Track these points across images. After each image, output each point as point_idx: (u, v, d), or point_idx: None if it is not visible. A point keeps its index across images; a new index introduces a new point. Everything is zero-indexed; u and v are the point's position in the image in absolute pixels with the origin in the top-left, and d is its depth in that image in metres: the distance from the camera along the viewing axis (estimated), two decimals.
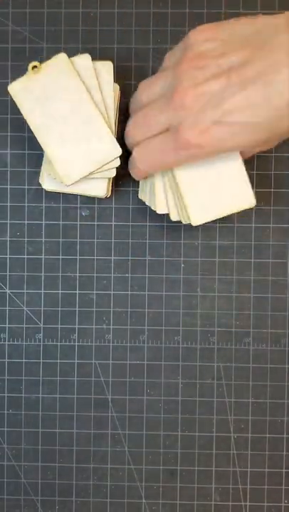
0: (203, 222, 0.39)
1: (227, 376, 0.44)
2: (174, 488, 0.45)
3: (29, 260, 0.45)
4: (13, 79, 0.43)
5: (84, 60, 0.40)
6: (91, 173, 0.41)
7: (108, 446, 0.45)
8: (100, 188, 0.42)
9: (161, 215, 0.44)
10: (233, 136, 0.34)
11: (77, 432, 0.45)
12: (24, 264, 0.45)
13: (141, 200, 0.43)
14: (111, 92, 0.40)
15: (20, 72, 0.44)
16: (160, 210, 0.40)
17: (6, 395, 0.45)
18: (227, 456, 0.44)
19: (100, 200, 0.44)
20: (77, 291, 0.45)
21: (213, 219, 0.39)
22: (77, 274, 0.45)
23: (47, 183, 0.42)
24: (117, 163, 0.40)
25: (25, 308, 0.45)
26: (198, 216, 0.39)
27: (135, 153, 0.39)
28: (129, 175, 0.41)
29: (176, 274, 0.44)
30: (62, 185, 0.41)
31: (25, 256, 0.45)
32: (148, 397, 0.45)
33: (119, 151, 0.40)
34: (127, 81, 0.44)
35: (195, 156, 0.35)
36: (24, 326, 0.45)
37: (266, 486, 0.44)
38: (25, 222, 0.45)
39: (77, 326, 0.45)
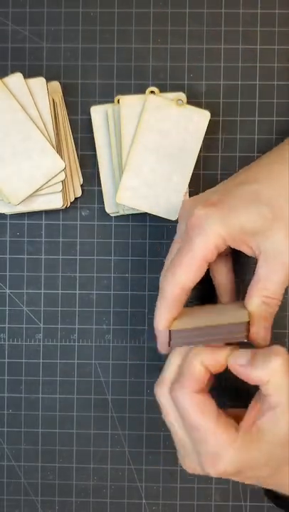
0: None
1: (226, 377, 0.44)
2: (174, 488, 0.45)
3: (29, 260, 0.45)
4: None
5: (16, 79, 0.41)
6: (38, 190, 0.41)
7: (108, 446, 0.45)
8: (55, 201, 0.42)
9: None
10: None
11: (77, 432, 0.45)
12: (24, 264, 0.45)
13: None
14: (47, 107, 0.41)
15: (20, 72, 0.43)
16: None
17: (6, 395, 0.45)
18: None
19: (99, 200, 0.44)
20: (77, 291, 0.45)
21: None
22: (77, 274, 0.45)
23: (0, 207, 0.43)
24: (62, 176, 0.41)
25: (25, 309, 0.45)
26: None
27: None
28: None
29: None
30: (15, 206, 0.42)
31: (25, 256, 0.45)
32: (148, 397, 0.45)
33: (62, 164, 0.41)
34: (127, 81, 0.44)
35: None
36: (24, 326, 0.45)
37: None
38: (25, 222, 0.45)
39: (77, 326, 0.45)
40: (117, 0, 0.44)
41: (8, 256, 0.45)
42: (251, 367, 0.33)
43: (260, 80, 0.44)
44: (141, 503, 0.45)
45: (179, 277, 0.35)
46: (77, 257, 0.45)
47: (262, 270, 0.35)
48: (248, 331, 0.35)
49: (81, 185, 0.44)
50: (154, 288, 0.44)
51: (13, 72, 0.42)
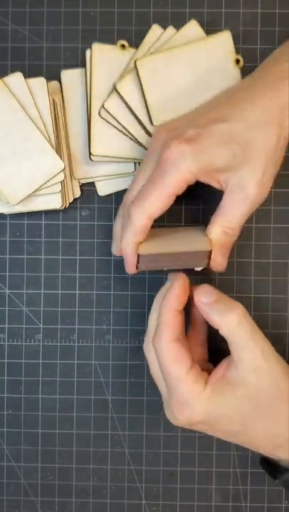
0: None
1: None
2: (174, 488, 0.45)
3: (29, 260, 0.45)
4: None
5: (16, 78, 0.41)
6: (37, 190, 0.41)
7: (108, 446, 0.45)
8: (54, 201, 0.42)
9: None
10: None
11: (77, 433, 0.45)
12: (24, 264, 0.45)
13: None
14: (47, 107, 0.41)
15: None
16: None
17: (5, 395, 0.45)
18: (227, 457, 0.44)
19: (99, 200, 0.44)
20: (77, 291, 0.44)
21: None
22: (77, 274, 0.45)
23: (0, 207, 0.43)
24: (62, 177, 0.41)
25: (24, 309, 0.45)
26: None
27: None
28: None
29: None
30: (13, 206, 0.42)
31: (25, 256, 0.45)
32: (148, 397, 0.45)
33: (62, 164, 0.41)
34: None
35: None
36: (24, 326, 0.45)
37: (266, 487, 0.44)
38: (25, 222, 0.44)
39: (77, 326, 0.45)
40: (117, 0, 0.44)
41: (7, 256, 0.45)
42: (211, 309, 0.37)
43: None
44: (141, 504, 0.45)
45: (148, 208, 0.37)
46: (77, 257, 0.45)
47: (226, 203, 0.37)
48: (209, 258, 0.38)
49: (80, 186, 0.44)
50: (155, 288, 0.44)
51: (13, 71, 0.42)
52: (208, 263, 0.39)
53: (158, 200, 0.36)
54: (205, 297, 0.38)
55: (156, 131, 0.39)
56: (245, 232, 0.44)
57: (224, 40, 0.42)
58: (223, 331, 0.37)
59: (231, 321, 0.36)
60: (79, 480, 0.45)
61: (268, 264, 0.44)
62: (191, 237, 0.39)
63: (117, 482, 0.45)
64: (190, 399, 0.36)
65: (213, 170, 0.36)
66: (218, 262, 0.39)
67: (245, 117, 0.36)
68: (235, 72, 0.42)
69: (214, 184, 0.37)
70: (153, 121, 0.41)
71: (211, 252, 0.38)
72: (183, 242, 0.39)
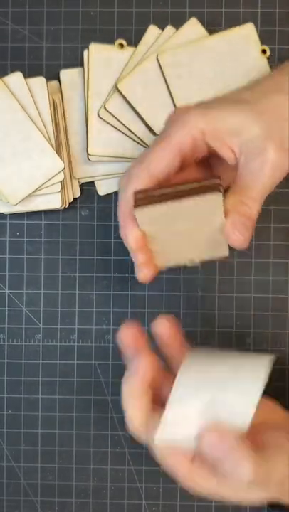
0: None
1: None
2: (174, 489, 0.45)
3: (28, 260, 0.45)
4: None
5: (16, 78, 0.41)
6: (37, 190, 0.41)
7: (108, 447, 0.45)
8: (53, 201, 0.42)
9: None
10: None
11: (76, 433, 0.45)
12: (23, 264, 0.45)
13: None
14: (47, 107, 0.41)
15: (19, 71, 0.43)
16: None
17: (5, 395, 0.45)
18: None
19: (99, 200, 0.44)
20: (77, 291, 0.44)
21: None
22: (77, 274, 0.44)
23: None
24: (61, 177, 0.41)
25: (24, 309, 0.45)
26: None
27: None
28: None
29: (176, 274, 0.44)
30: (13, 206, 0.42)
31: (25, 256, 0.45)
32: None
33: (61, 164, 0.41)
34: None
35: None
36: (24, 326, 0.45)
37: None
38: (25, 222, 0.44)
39: (77, 326, 0.45)
40: (117, 0, 0.44)
41: (7, 256, 0.44)
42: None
43: None
44: (141, 504, 0.45)
45: (148, 162, 0.32)
46: (77, 257, 0.45)
47: (242, 175, 0.33)
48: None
49: (80, 186, 0.44)
50: (155, 288, 0.44)
51: (12, 71, 0.42)
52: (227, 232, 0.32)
53: (160, 154, 0.32)
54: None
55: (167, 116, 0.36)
56: None
57: (248, 31, 0.42)
58: None
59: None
60: (79, 480, 0.45)
61: (268, 264, 0.44)
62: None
63: (117, 482, 0.45)
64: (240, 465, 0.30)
65: (224, 130, 0.32)
66: (239, 233, 0.32)
67: (256, 89, 0.34)
68: (262, 62, 0.42)
69: (226, 153, 0.33)
70: None
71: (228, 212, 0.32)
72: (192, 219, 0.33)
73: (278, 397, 0.44)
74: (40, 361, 0.45)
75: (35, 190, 0.41)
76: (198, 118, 0.32)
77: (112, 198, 0.44)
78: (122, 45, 0.43)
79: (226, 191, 0.33)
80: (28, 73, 0.44)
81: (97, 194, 0.44)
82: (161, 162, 0.33)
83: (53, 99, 0.42)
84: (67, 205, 0.43)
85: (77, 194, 0.44)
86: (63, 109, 0.43)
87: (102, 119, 0.42)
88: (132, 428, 0.33)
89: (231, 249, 0.35)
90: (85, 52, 0.42)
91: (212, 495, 0.33)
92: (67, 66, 0.44)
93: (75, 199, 0.44)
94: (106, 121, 0.42)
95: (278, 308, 0.44)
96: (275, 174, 0.32)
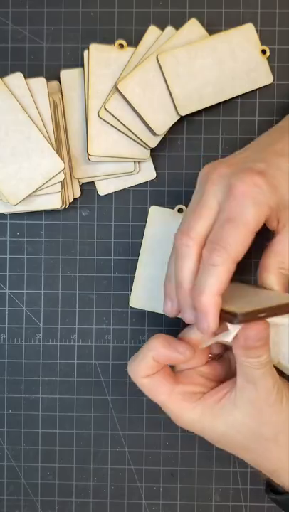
0: None
1: None
2: (174, 488, 0.45)
3: (29, 260, 0.45)
4: None
5: (16, 78, 0.41)
6: (37, 190, 0.41)
7: (108, 446, 0.45)
8: (53, 201, 0.42)
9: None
10: None
11: (77, 433, 0.45)
12: (24, 264, 0.45)
13: (140, 201, 0.43)
14: (47, 107, 0.41)
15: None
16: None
17: (5, 395, 0.45)
18: (227, 457, 0.44)
19: (99, 200, 0.44)
20: (77, 291, 0.45)
21: None
22: (77, 274, 0.45)
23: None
24: (62, 177, 0.41)
25: (24, 309, 0.45)
26: None
27: None
28: None
29: None
30: (13, 206, 0.42)
31: (25, 256, 0.45)
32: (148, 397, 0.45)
33: (61, 164, 0.41)
34: None
35: None
36: (24, 326, 0.45)
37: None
38: (25, 222, 0.45)
39: (77, 326, 0.45)
40: (117, 0, 0.44)
41: (8, 256, 0.45)
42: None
43: None
44: (141, 504, 0.45)
45: (231, 250, 0.32)
46: (77, 257, 0.45)
47: (280, 242, 0.35)
48: None
49: (80, 186, 0.44)
50: None
51: (12, 71, 0.42)
52: None
53: (241, 240, 0.32)
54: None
55: (210, 167, 0.35)
56: None
57: (247, 31, 0.43)
58: (242, 362, 0.34)
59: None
60: (79, 480, 0.45)
61: None
62: (262, 292, 0.35)
63: (117, 482, 0.45)
64: (181, 415, 0.36)
65: (286, 205, 0.33)
66: None
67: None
68: (262, 61, 0.43)
69: (272, 223, 0.34)
70: (179, 112, 0.42)
71: None
72: (261, 298, 0.34)
73: None
74: (41, 361, 0.45)
75: (36, 190, 0.41)
76: (271, 197, 0.32)
77: (112, 197, 0.45)
78: (122, 46, 0.43)
79: None
80: (29, 73, 0.44)
81: (98, 194, 0.44)
82: (244, 246, 0.33)
83: (53, 100, 0.42)
84: (68, 205, 0.43)
85: (78, 194, 0.44)
86: (63, 109, 0.43)
87: (102, 119, 0.42)
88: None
89: None
90: (85, 53, 0.42)
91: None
92: (67, 66, 0.44)
93: (75, 199, 0.44)
94: (106, 122, 0.42)
95: None
96: None
